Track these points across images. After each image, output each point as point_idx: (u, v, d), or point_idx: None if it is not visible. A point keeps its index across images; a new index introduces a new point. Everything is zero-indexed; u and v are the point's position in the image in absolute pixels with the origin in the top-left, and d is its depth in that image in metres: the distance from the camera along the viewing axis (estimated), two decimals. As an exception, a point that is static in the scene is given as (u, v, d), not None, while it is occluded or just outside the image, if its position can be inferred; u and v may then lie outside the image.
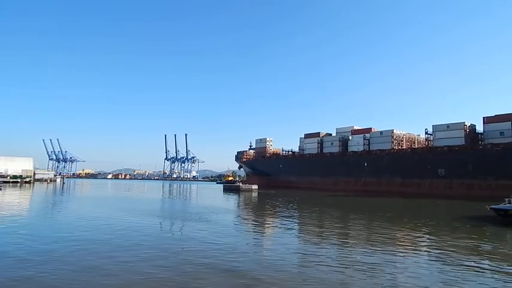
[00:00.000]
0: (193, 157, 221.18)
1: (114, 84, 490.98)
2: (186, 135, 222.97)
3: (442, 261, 12.20)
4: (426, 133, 70.53)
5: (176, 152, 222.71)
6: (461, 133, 62.10)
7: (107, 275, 9.72)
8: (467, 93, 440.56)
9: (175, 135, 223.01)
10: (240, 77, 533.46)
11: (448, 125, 64.65)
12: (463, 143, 61.29)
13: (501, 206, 21.57)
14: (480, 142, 61.87)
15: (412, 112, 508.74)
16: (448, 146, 62.47)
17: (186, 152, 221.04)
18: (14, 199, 38.89)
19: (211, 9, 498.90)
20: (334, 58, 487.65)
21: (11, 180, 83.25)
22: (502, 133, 57.12)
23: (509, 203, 21.30)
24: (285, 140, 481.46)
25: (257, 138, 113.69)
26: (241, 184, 70.33)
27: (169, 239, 16.19)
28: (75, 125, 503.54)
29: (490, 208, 21.85)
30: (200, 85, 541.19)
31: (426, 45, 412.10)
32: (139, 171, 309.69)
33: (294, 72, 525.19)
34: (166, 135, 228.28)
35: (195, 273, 10.02)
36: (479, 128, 63.25)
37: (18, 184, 79.03)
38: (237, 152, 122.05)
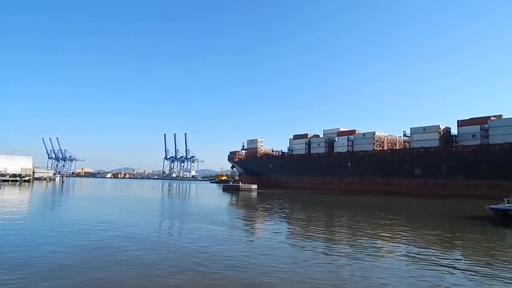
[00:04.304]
0: (192, 156, 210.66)
1: (114, 83, 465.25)
2: (185, 134, 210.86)
3: (451, 261, 10.96)
4: (404, 135, 70.25)
5: (176, 152, 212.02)
6: (436, 135, 62.06)
7: (102, 274, 8.78)
8: (467, 93, 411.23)
9: (174, 134, 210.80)
10: (240, 77, 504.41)
11: (424, 128, 64.51)
12: (438, 145, 61.21)
13: (500, 206, 20.25)
14: (454, 144, 61.89)
15: (412, 112, 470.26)
16: (423, 147, 62.24)
17: (186, 151, 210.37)
18: (13, 198, 35.17)
19: (211, 9, 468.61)
20: (334, 58, 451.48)
21: (10, 179, 77.49)
22: (474, 136, 57.19)
23: (508, 203, 19.97)
24: (282, 140, 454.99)
25: (249, 139, 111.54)
26: (241, 184, 65.98)
27: (168, 239, 14.45)
28: (75, 123, 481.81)
29: (489, 208, 20.48)
30: (200, 85, 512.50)
31: (426, 45, 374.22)
32: (138, 171, 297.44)
33: (294, 72, 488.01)
34: (165, 134, 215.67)
35: (195, 273, 9.02)
36: (455, 131, 63.24)
37: (18, 183, 73.65)
38: (230, 152, 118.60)
